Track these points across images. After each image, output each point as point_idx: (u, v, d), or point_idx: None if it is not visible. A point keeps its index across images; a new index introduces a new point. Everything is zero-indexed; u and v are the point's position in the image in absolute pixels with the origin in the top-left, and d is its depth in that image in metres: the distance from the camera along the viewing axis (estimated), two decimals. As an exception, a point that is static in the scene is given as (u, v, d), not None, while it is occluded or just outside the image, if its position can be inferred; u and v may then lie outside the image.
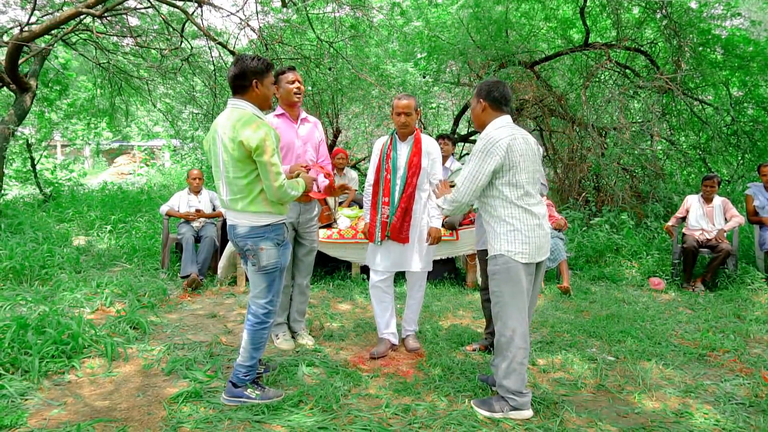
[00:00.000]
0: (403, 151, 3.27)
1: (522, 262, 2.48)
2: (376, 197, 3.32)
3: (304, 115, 3.38)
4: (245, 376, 2.61)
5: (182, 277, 4.87)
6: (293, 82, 3.22)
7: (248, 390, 2.61)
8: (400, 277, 4.74)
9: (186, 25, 7.00)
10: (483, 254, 3.36)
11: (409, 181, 3.22)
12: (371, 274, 3.39)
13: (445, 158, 5.55)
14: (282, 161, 3.82)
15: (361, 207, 5.57)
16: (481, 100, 2.61)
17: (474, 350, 3.38)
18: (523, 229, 2.48)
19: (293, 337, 3.53)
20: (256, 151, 2.40)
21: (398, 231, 3.23)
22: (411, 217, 3.26)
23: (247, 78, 2.49)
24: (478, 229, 3.39)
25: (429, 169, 3.28)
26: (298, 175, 2.76)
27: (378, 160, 3.32)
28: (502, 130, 2.50)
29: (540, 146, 2.73)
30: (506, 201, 2.50)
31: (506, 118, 2.60)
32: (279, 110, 3.31)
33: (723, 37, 7.43)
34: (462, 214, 5.11)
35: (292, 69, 3.27)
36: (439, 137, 5.79)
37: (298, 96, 3.24)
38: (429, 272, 5.76)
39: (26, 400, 2.57)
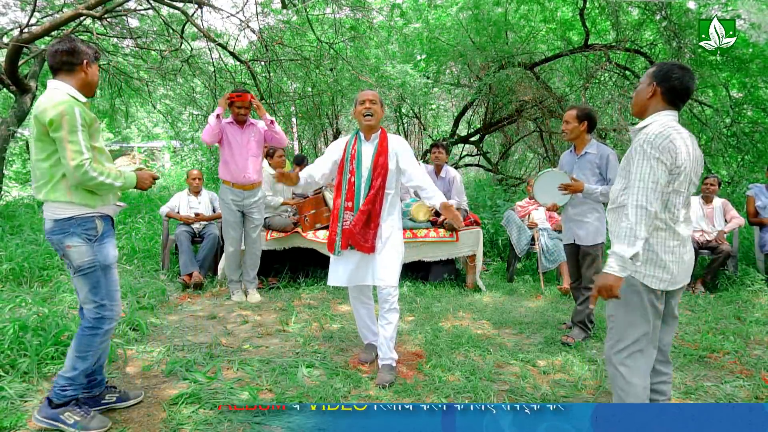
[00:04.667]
0: (368, 151, 2.92)
1: (652, 287, 2.04)
2: (338, 202, 2.95)
3: (251, 121, 4.53)
4: (63, 389, 2.28)
5: (182, 279, 4.86)
6: (240, 107, 4.39)
7: (66, 414, 2.26)
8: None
9: (186, 27, 7.01)
10: (570, 248, 3.70)
11: (374, 183, 2.85)
12: (349, 288, 3.17)
13: (438, 168, 5.26)
14: (231, 158, 4.48)
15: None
16: (655, 83, 2.08)
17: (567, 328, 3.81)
18: (661, 251, 2.04)
19: (245, 294, 4.55)
20: (51, 126, 2.10)
21: (361, 238, 2.85)
22: (376, 224, 2.88)
23: (78, 56, 2.22)
24: (566, 223, 3.67)
25: (398, 170, 2.93)
26: (139, 171, 2.46)
27: (341, 160, 2.97)
28: (668, 128, 2.00)
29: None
30: None
31: (674, 116, 2.08)
32: (230, 119, 4.43)
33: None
34: (462, 216, 5.11)
35: (245, 91, 4.44)
36: (433, 146, 5.52)
37: (243, 116, 4.43)
38: (429, 273, 5.67)
39: (25, 401, 2.57)
